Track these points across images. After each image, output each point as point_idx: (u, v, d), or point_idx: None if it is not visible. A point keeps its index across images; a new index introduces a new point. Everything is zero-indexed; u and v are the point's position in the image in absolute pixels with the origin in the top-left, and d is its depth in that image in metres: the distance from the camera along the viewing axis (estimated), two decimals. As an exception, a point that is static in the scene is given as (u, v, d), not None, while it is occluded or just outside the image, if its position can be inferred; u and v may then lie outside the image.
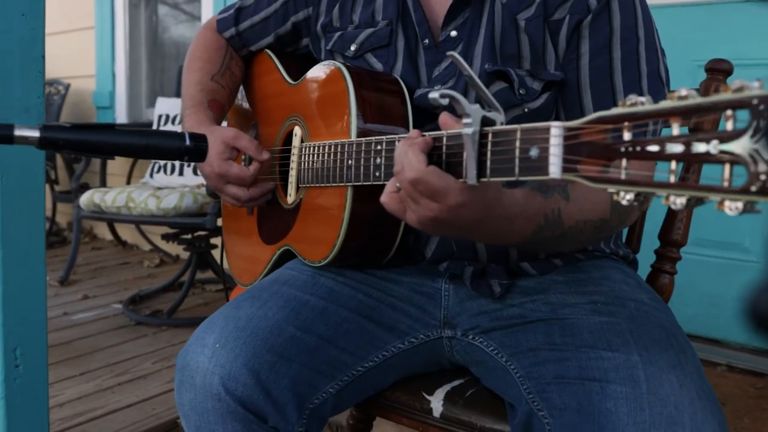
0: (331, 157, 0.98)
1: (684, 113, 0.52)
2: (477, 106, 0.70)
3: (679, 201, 0.52)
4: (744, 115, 0.48)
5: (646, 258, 1.17)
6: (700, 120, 0.52)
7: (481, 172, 0.70)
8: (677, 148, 0.52)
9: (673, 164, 0.53)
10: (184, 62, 1.32)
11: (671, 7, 2.44)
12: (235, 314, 0.96)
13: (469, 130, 0.69)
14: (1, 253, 1.19)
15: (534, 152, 0.64)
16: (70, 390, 2.14)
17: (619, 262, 1.06)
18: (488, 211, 0.76)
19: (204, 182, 2.00)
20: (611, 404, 0.77)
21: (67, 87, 4.17)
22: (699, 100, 0.51)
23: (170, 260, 3.93)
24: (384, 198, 0.80)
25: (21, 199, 1.21)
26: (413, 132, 0.78)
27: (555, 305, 0.96)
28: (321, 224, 1.03)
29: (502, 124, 0.70)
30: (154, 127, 3.37)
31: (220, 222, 2.60)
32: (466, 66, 0.71)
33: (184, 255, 3.69)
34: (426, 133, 0.78)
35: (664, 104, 0.53)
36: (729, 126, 0.49)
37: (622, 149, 0.56)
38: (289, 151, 1.14)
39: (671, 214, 1.15)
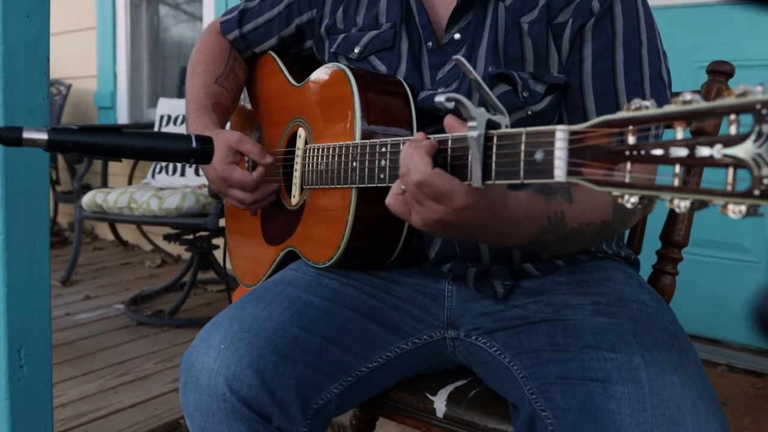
0: (336, 159, 0.98)
1: (687, 117, 0.53)
2: (482, 109, 0.70)
3: (683, 204, 0.52)
4: (747, 119, 0.49)
5: (647, 258, 1.18)
6: (702, 124, 0.53)
7: (486, 174, 0.70)
8: (681, 151, 0.52)
9: (677, 168, 0.53)
10: (185, 63, 1.33)
11: (673, 8, 2.45)
12: (239, 315, 0.97)
13: (474, 134, 0.70)
14: (6, 255, 1.20)
15: (539, 155, 0.64)
16: (72, 390, 2.15)
17: (621, 263, 1.07)
18: (493, 214, 0.77)
19: (206, 182, 2.01)
20: (614, 405, 0.78)
21: (69, 87, 4.18)
22: (703, 104, 0.51)
23: (171, 260, 3.94)
24: (389, 200, 0.81)
25: (25, 201, 1.21)
26: (418, 135, 0.79)
27: (558, 306, 0.96)
28: (325, 226, 1.04)
29: (507, 127, 0.71)
30: (156, 127, 3.37)
31: (222, 222, 2.61)
32: (472, 70, 0.71)
33: (186, 255, 3.69)
34: (431, 136, 0.78)
35: (668, 108, 0.53)
36: (732, 130, 0.50)
37: (627, 153, 0.56)
38: (293, 152, 1.15)
39: (673, 215, 1.16)
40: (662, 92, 0.98)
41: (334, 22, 1.16)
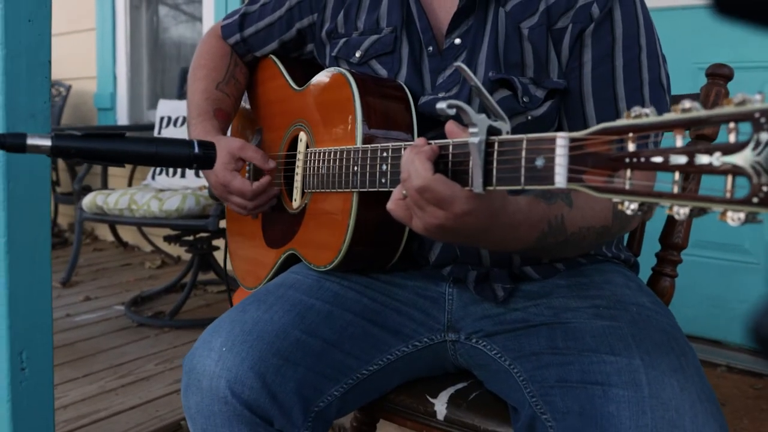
0: (337, 163, 0.99)
1: (687, 125, 0.53)
2: (483, 115, 0.71)
3: (682, 211, 0.53)
4: (746, 127, 0.49)
5: (647, 261, 1.18)
6: (701, 132, 0.53)
7: (487, 180, 0.71)
8: (681, 159, 0.53)
9: (677, 175, 0.54)
10: (185, 64, 1.33)
11: (672, 10, 2.45)
12: (241, 318, 0.97)
13: (475, 140, 0.70)
14: (8, 259, 1.20)
15: (540, 162, 0.65)
16: (73, 392, 2.15)
17: (621, 266, 1.07)
18: (493, 219, 0.77)
19: (206, 184, 2.02)
20: (613, 408, 0.78)
21: (68, 89, 4.18)
22: (702, 113, 0.52)
23: (171, 262, 3.94)
24: (390, 205, 0.81)
25: (27, 205, 1.22)
26: (419, 140, 0.79)
27: (557, 309, 0.97)
28: (326, 229, 1.04)
29: (507, 133, 0.71)
30: (156, 128, 3.38)
31: (222, 224, 2.61)
32: (473, 77, 0.72)
33: (186, 256, 3.70)
34: (432, 141, 0.79)
35: (668, 116, 0.54)
36: (731, 138, 0.50)
37: (627, 160, 0.57)
38: (294, 156, 1.15)
39: (672, 217, 1.17)
40: (661, 97, 0.98)
41: (335, 26, 1.16)
